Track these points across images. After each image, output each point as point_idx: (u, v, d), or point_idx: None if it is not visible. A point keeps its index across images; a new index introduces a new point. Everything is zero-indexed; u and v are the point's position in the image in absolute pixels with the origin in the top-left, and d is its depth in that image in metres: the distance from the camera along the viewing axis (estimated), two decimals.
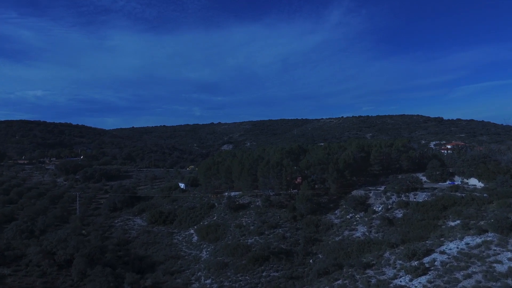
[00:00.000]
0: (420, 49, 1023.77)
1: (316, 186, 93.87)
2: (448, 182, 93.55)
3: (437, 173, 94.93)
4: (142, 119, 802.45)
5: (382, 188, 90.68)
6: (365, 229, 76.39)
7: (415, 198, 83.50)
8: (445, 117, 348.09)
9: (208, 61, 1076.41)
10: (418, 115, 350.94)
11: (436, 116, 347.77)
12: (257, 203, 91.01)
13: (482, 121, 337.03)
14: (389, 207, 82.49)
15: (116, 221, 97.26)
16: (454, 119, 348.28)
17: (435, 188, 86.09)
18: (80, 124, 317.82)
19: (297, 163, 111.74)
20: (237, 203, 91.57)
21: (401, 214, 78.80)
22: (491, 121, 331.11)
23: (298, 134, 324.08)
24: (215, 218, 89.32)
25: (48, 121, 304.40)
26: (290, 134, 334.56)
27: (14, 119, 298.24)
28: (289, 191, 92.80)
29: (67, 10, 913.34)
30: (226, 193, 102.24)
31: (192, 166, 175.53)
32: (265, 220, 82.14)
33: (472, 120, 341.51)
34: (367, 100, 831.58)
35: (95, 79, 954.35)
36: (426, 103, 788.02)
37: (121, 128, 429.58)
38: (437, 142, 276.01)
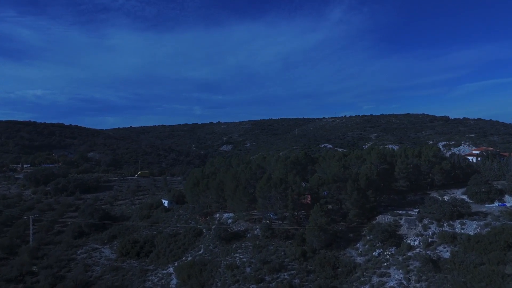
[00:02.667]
0: (422, 47, 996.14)
1: (330, 206, 71.74)
2: (497, 203, 71.69)
3: (482, 190, 72.91)
4: (142, 119, 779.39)
5: (415, 212, 68.68)
6: (401, 275, 54.50)
7: (463, 228, 61.51)
8: (450, 116, 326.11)
9: (209, 60, 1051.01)
10: (423, 114, 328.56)
11: (442, 115, 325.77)
12: (256, 232, 69.07)
13: (490, 120, 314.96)
14: (429, 241, 60.53)
15: (79, 251, 75.40)
16: (461, 118, 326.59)
17: (486, 214, 64.13)
18: (73, 124, 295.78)
19: (305, 175, 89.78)
20: (229, 231, 69.70)
21: (448, 253, 56.87)
22: (499, 120, 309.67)
23: (299, 134, 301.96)
24: (201, 252, 67.46)
25: (43, 121, 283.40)
26: (292, 134, 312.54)
27: (12, 119, 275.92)
28: (296, 213, 70.52)
29: (66, 8, 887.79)
30: (217, 214, 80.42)
31: (144, 172, 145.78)
32: (265, 258, 60.21)
33: (479, 119, 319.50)
34: (368, 98, 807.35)
35: (95, 78, 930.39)
36: (428, 101, 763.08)
37: (118, 128, 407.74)
38: (445, 142, 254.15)
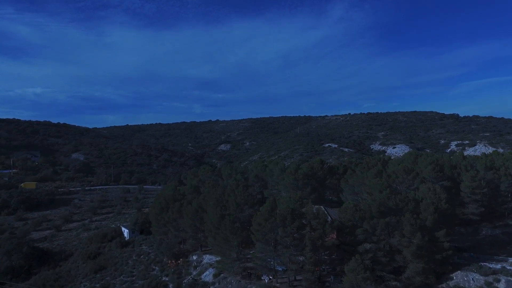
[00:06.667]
0: (424, 45, 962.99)
1: (368, 246, 42.08)
2: None
3: None
4: (143, 117, 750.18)
5: None
6: None
7: None
8: (457, 113, 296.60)
9: (209, 58, 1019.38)
10: (432, 112, 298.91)
11: (451, 113, 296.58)
12: None
13: (502, 118, 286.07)
14: None
15: None
16: (471, 115, 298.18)
17: None
18: (62, 122, 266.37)
19: (322, 192, 60.67)
20: None
21: None
22: None
23: (301, 133, 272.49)
24: None
25: (43, 120, 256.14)
26: (293, 133, 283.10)
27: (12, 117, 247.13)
28: (317, 257, 40.78)
29: (65, 5, 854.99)
30: (194, 256, 51.34)
31: (29, 183, 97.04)
32: None
33: (491, 116, 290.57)
34: (369, 96, 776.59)
35: (95, 76, 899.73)
36: (429, 99, 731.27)
37: (114, 126, 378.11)
38: (459, 142, 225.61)
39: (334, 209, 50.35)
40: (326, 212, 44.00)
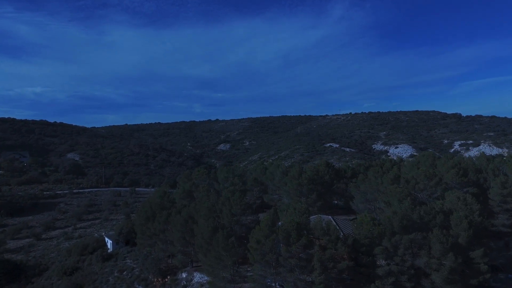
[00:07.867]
0: (424, 44, 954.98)
1: (383, 263, 35.15)
2: None
3: None
4: (142, 116, 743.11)
5: None
6: None
7: None
8: (460, 113, 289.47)
9: (209, 57, 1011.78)
10: (434, 111, 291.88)
11: (454, 112, 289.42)
12: None
13: (505, 117, 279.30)
14: None
15: None
16: (473, 115, 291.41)
17: None
18: (58, 121, 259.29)
19: (329, 199, 53.69)
20: None
21: None
22: None
23: (302, 133, 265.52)
24: None
25: (42, 119, 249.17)
26: (293, 133, 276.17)
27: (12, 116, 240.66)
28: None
29: (64, 4, 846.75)
30: (183, 274, 44.35)
31: None
32: None
33: (494, 116, 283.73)
34: (369, 96, 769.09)
35: (95, 75, 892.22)
36: (430, 99, 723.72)
37: (113, 126, 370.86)
38: (462, 142, 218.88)
39: (343, 218, 43.53)
40: (337, 227, 36.88)
